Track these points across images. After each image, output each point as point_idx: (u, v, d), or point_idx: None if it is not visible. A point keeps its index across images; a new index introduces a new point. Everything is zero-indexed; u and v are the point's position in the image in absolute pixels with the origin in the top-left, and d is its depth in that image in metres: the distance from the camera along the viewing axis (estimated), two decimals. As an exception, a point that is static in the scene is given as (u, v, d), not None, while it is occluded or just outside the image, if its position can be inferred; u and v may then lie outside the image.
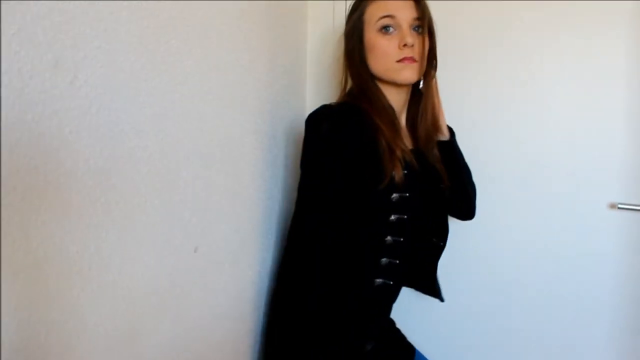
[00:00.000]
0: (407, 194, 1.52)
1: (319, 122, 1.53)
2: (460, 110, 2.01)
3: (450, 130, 1.73)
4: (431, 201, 1.68)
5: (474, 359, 2.18)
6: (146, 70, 1.07)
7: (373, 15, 1.56)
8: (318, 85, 2.11)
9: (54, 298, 0.89)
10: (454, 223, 1.86)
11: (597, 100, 1.97)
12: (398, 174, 1.49)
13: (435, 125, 1.66)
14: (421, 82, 1.63)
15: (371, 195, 1.51)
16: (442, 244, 1.74)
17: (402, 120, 1.68)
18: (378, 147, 1.50)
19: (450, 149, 1.70)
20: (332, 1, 2.03)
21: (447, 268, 1.90)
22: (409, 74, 1.55)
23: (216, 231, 1.40)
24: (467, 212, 1.83)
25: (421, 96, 1.65)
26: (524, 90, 2.02)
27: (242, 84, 1.51)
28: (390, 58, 1.55)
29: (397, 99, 1.63)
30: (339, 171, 1.49)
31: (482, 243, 2.12)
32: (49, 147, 0.85)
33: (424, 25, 1.56)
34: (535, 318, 2.12)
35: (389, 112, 1.59)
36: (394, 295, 1.69)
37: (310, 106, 2.02)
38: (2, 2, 0.74)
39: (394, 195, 1.51)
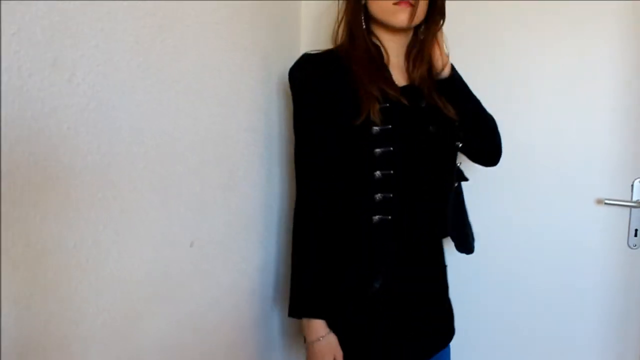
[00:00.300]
0: (390, 126, 1.50)
1: (294, 70, 1.57)
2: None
3: (452, 67, 1.65)
4: (428, 138, 1.60)
5: (463, 350, 2.19)
6: (142, 68, 1.08)
7: None
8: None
9: (53, 290, 0.90)
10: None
11: (585, 99, 1.98)
12: (374, 108, 1.48)
13: (431, 71, 1.62)
14: (422, 28, 1.61)
15: (352, 132, 1.50)
16: (447, 183, 1.65)
17: (400, 61, 1.64)
18: (355, 86, 1.50)
19: (450, 85, 1.64)
20: (325, 1, 2.03)
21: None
22: (403, 16, 1.51)
23: (211, 225, 1.41)
24: (486, 153, 1.76)
25: (422, 40, 1.61)
26: (514, 89, 2.03)
27: (237, 82, 1.51)
28: None
29: (393, 42, 1.61)
30: (317, 121, 1.53)
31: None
32: (47, 143, 0.86)
33: None
34: (524, 311, 2.13)
35: (371, 53, 1.58)
36: (398, 232, 1.57)
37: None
38: (2, 2, 0.75)
39: (375, 128, 1.49)
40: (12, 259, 0.81)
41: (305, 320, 1.55)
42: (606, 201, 1.98)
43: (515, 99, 2.03)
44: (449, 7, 1.63)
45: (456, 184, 1.72)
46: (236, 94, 1.51)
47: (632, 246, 2.01)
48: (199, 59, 1.30)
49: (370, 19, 1.58)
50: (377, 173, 1.52)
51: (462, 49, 2.01)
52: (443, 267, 1.74)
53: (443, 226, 1.66)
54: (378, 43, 1.60)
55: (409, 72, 1.63)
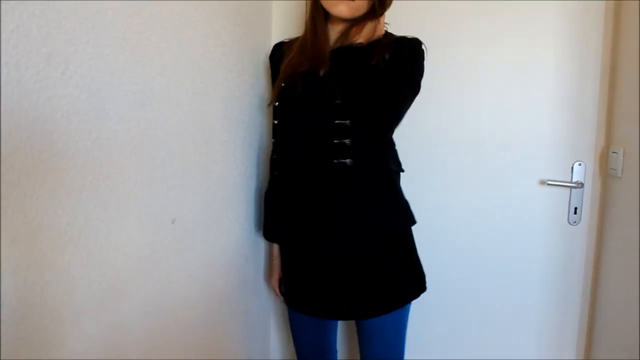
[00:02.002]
0: (277, 103, 1.66)
1: (270, 54, 1.87)
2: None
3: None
4: (312, 112, 1.60)
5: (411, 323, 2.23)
6: (129, 62, 1.09)
7: None
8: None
9: (48, 263, 0.91)
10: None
11: (530, 90, 2.03)
12: (276, 87, 1.65)
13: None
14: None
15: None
16: (335, 160, 1.58)
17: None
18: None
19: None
20: (294, 1, 2.05)
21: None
22: (341, 8, 1.52)
23: (191, 204, 1.42)
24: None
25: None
26: (463, 78, 2.06)
27: (214, 75, 1.52)
28: None
29: (335, 28, 1.61)
30: None
31: (420, 218, 2.16)
32: (43, 130, 0.87)
33: None
34: (469, 285, 2.17)
35: (305, 38, 1.63)
36: (287, 188, 1.68)
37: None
38: (2, 2, 0.76)
39: (276, 103, 1.68)
40: (11, 235, 0.82)
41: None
42: (548, 182, 2.04)
43: (464, 87, 2.06)
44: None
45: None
46: (214, 85, 1.52)
47: (572, 223, 2.07)
48: (181, 53, 1.31)
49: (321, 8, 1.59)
50: (273, 139, 1.75)
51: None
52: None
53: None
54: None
55: None
